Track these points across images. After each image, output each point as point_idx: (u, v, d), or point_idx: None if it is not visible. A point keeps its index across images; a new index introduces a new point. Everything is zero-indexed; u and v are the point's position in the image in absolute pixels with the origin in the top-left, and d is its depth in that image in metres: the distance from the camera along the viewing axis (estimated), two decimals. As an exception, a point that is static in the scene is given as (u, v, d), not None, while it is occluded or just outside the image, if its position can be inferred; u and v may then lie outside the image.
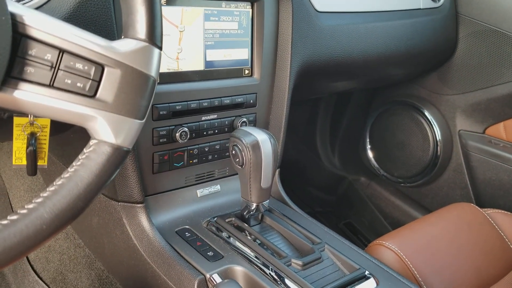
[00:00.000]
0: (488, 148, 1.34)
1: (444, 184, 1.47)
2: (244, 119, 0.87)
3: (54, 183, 0.44)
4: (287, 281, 0.66)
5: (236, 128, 0.85)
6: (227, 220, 0.79)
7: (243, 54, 0.88)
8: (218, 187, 0.88)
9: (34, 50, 0.43)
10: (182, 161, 0.82)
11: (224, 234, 0.77)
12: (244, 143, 0.73)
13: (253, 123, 0.89)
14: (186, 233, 0.77)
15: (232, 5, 0.85)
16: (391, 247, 0.87)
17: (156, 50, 0.48)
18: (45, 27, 0.43)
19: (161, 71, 0.78)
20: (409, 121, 1.53)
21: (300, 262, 0.69)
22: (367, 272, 0.69)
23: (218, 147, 0.86)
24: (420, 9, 1.26)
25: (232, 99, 0.86)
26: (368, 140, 1.67)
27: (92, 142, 0.46)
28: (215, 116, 0.84)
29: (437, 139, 1.46)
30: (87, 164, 0.45)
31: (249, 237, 0.75)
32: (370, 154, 1.66)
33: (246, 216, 0.79)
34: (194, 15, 0.80)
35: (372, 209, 1.64)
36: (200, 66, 0.83)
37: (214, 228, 0.78)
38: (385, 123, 1.61)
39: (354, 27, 1.04)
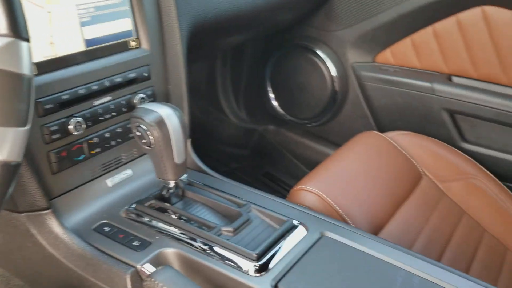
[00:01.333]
0: (379, 75, 1.41)
1: (347, 117, 1.54)
2: (142, 95, 0.82)
3: None
4: (218, 250, 0.65)
5: (135, 107, 0.79)
6: (146, 204, 0.76)
7: (125, 25, 0.82)
8: (129, 171, 0.83)
9: None
10: (82, 153, 0.75)
11: (146, 219, 0.73)
12: (148, 121, 0.69)
13: (152, 98, 0.84)
14: (105, 228, 0.72)
15: (101, -27, 0.77)
16: (311, 189, 0.90)
17: (23, 43, 0.42)
18: None
19: (36, 60, 0.69)
20: (304, 63, 1.56)
21: (230, 229, 0.69)
22: (295, 222, 0.70)
23: (120, 130, 0.80)
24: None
25: (124, 76, 0.80)
26: (269, 88, 1.68)
27: None
28: (109, 98, 0.78)
29: (333, 75, 1.51)
30: None
31: (173, 216, 0.73)
32: (274, 101, 1.68)
33: (166, 196, 0.76)
34: (59, -9, 0.72)
35: (286, 155, 1.69)
36: (80, 47, 0.75)
37: (134, 216, 0.74)
38: (283, 68, 1.62)
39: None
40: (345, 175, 0.98)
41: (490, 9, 1.20)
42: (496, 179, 1.19)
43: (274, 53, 1.64)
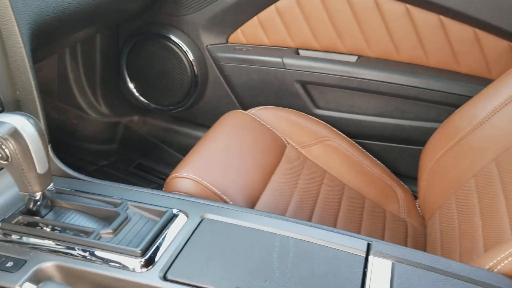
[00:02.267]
0: (234, 55, 1.47)
1: (210, 98, 1.59)
2: (-11, 107, 0.75)
3: None
4: (100, 254, 0.65)
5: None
6: (13, 222, 0.71)
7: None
8: (-13, 190, 0.76)
9: None
10: None
11: (15, 237, 0.69)
12: (1, 135, 0.64)
13: (1, 108, 0.78)
14: (-29, 256, 0.66)
15: None
16: (186, 176, 0.92)
17: None
18: None
19: None
20: (160, 49, 1.55)
21: (109, 230, 0.68)
22: (175, 210, 0.73)
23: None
24: None
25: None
26: (128, 78, 1.64)
27: None
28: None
29: (190, 59, 1.53)
30: None
31: (46, 229, 0.70)
32: (134, 91, 1.65)
33: (34, 209, 0.72)
34: None
35: (156, 143, 1.68)
36: None
37: (1, 236, 0.69)
38: (139, 56, 1.60)
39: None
40: (216, 157, 1.02)
41: (323, -14, 1.33)
42: (347, 138, 1.34)
43: (127, 42, 1.60)
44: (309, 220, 1.03)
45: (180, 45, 1.52)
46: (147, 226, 0.70)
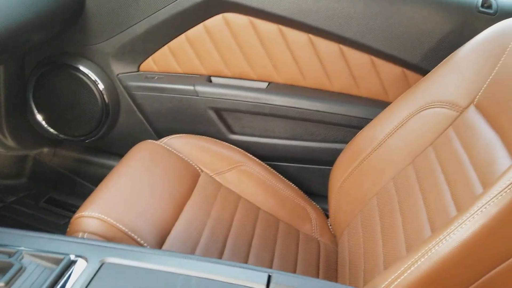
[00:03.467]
0: (146, 83, 1.46)
1: (124, 127, 1.56)
2: None
3: None
4: None
5: None
6: None
7: None
8: None
9: None
10: None
11: None
12: None
13: None
14: None
15: None
16: (92, 215, 0.90)
17: None
18: None
19: None
20: (69, 79, 1.51)
21: (1, 284, 0.65)
22: (72, 256, 0.70)
23: None
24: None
25: None
26: (35, 110, 1.57)
27: None
28: None
29: (100, 89, 1.50)
30: None
31: None
32: (43, 123, 1.58)
33: None
34: None
35: (68, 175, 1.62)
36: None
37: None
38: (47, 87, 1.54)
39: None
40: (124, 192, 1.01)
41: (229, 16, 1.37)
42: (261, 162, 1.38)
43: (33, 72, 1.53)
44: (222, 249, 1.04)
45: (89, 75, 1.49)
46: (43, 275, 0.68)
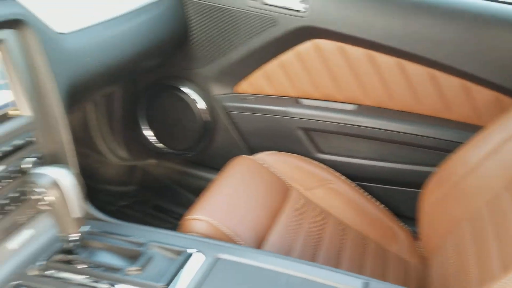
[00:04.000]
0: (241, 104, 1.60)
1: (220, 143, 1.71)
2: (32, 159, 0.87)
3: None
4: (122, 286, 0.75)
5: (28, 172, 0.85)
6: (52, 259, 0.82)
7: (6, 97, 0.87)
8: (30, 231, 0.87)
9: None
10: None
11: (53, 273, 0.80)
12: (44, 184, 0.76)
13: (42, 160, 0.90)
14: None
15: (-26, 54, 0.82)
16: (200, 218, 1.03)
17: None
18: None
19: None
20: (173, 99, 1.69)
21: (135, 268, 0.79)
22: (192, 250, 0.83)
23: (16, 194, 0.85)
24: (151, 3, 1.38)
25: (10, 144, 0.85)
26: (145, 125, 1.78)
27: None
28: (3, 167, 0.82)
29: (200, 108, 1.66)
30: None
31: (81, 266, 0.80)
32: (151, 136, 1.78)
33: (70, 248, 0.83)
34: None
35: (170, 185, 1.79)
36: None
37: (43, 272, 0.80)
38: (155, 106, 1.74)
39: (101, 40, 1.10)
40: (227, 199, 1.13)
41: (320, 42, 1.47)
42: (349, 181, 1.44)
43: (144, 93, 1.74)
44: (314, 259, 1.12)
45: (191, 95, 1.67)
46: (167, 264, 0.81)
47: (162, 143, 1.79)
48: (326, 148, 1.55)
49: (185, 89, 1.66)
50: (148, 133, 1.79)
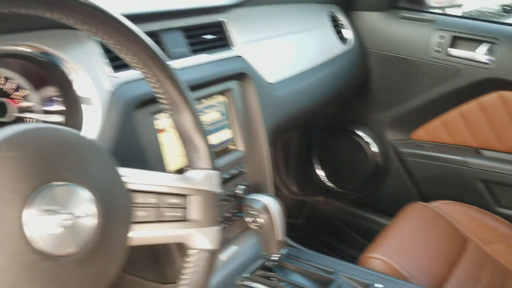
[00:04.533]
0: (416, 151, 1.63)
1: (390, 188, 1.75)
2: (243, 186, 1.05)
3: None
4: None
5: (240, 197, 1.02)
6: (255, 274, 0.96)
7: (227, 134, 1.07)
8: (236, 247, 1.04)
9: (141, 199, 0.58)
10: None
11: (259, 286, 0.94)
12: (257, 208, 0.92)
13: (249, 188, 1.07)
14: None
15: (211, 100, 1.03)
16: (379, 257, 1.10)
17: (217, 172, 0.65)
18: (144, 181, 0.59)
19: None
20: (348, 142, 1.80)
21: None
22: (380, 286, 0.90)
23: (228, 215, 1.03)
24: (338, 55, 1.52)
25: (228, 173, 1.03)
26: (318, 163, 1.91)
27: (192, 251, 0.62)
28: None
29: (374, 151, 1.73)
30: (198, 270, 0.61)
31: (280, 283, 0.93)
32: (322, 175, 1.91)
33: (270, 266, 0.96)
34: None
35: (336, 223, 1.88)
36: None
37: (249, 283, 0.95)
38: (329, 146, 1.86)
39: (299, 88, 1.27)
40: (403, 242, 1.17)
41: (506, 93, 1.44)
42: (533, 239, 1.35)
43: (319, 134, 1.88)
44: (492, 314, 1.09)
45: (365, 139, 1.75)
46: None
47: (332, 182, 1.90)
48: (507, 202, 1.48)
49: (359, 133, 1.76)
50: (320, 172, 1.91)
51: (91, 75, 0.80)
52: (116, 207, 0.55)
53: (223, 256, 1.02)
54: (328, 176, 1.90)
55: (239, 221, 1.05)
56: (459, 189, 1.54)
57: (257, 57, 1.14)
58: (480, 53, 1.47)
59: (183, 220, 0.61)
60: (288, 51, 1.27)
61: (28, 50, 0.76)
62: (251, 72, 1.10)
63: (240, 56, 1.09)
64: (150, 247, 0.88)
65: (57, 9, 0.50)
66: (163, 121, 0.91)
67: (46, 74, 0.82)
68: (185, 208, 0.62)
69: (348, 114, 1.79)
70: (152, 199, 0.59)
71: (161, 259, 0.90)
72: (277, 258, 0.95)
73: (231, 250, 1.04)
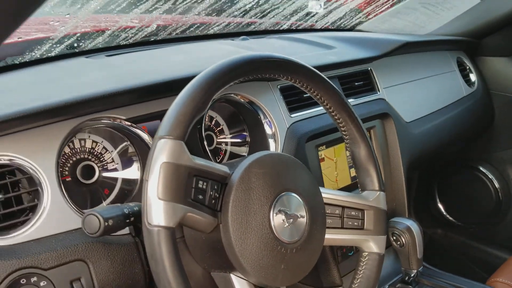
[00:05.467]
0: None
1: (510, 222, 1.79)
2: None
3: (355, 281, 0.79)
4: None
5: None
6: (397, 286, 1.12)
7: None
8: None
9: (329, 209, 0.79)
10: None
11: (399, 296, 1.10)
12: (402, 229, 1.08)
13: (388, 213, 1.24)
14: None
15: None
16: (506, 281, 1.19)
17: (384, 193, 0.84)
18: (333, 196, 0.80)
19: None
20: (469, 177, 1.88)
21: None
22: None
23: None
24: (464, 96, 1.64)
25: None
26: (438, 199, 2.01)
27: (365, 254, 0.82)
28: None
29: (496, 187, 1.80)
30: (370, 268, 0.80)
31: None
32: (442, 209, 2.00)
33: (409, 281, 1.12)
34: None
35: (455, 255, 1.95)
36: (348, 181, 1.20)
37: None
38: (450, 181, 1.96)
39: (430, 126, 1.42)
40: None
41: None
42: None
43: (440, 170, 1.99)
44: None
45: (487, 175, 1.82)
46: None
47: (451, 215, 1.98)
48: None
49: (482, 169, 1.84)
50: (440, 206, 2.01)
51: (275, 116, 1.05)
52: (317, 213, 0.77)
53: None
54: (448, 209, 1.98)
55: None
56: None
57: (396, 99, 1.32)
58: None
59: (360, 228, 0.81)
60: (421, 94, 1.44)
61: (236, 97, 1.03)
62: (392, 112, 1.28)
63: (383, 99, 1.28)
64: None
65: (293, 75, 0.75)
66: (323, 152, 1.13)
67: (239, 114, 1.08)
68: (363, 219, 0.82)
69: (473, 151, 1.88)
70: (337, 210, 0.80)
71: (319, 265, 1.10)
72: (414, 274, 1.10)
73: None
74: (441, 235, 2.01)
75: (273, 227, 0.69)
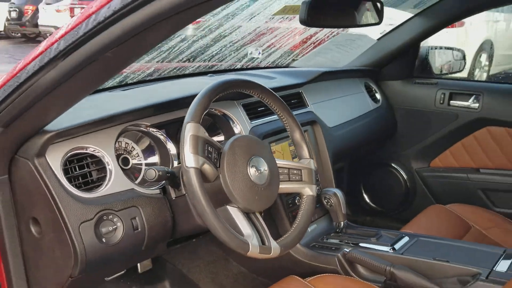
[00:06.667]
0: (434, 173, 2.29)
1: (418, 206, 2.38)
2: (318, 187, 1.75)
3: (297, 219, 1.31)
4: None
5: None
6: (332, 235, 1.64)
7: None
8: (315, 225, 1.72)
9: (280, 170, 1.32)
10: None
11: (330, 241, 1.61)
12: (331, 194, 1.61)
13: (320, 186, 1.77)
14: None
15: (297, 136, 1.77)
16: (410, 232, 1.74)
17: (313, 160, 1.37)
18: (283, 163, 1.33)
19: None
20: (385, 172, 2.47)
21: None
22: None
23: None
24: (372, 109, 2.25)
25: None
26: (363, 190, 2.58)
27: (304, 196, 1.33)
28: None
29: (405, 178, 2.40)
30: (308, 205, 1.31)
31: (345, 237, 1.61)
32: (367, 198, 2.56)
33: (339, 231, 1.64)
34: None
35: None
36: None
37: (326, 240, 1.62)
38: (371, 177, 2.54)
39: (346, 131, 2.00)
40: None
41: (491, 128, 2.11)
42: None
43: (364, 168, 2.57)
44: None
45: (398, 169, 2.42)
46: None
47: (374, 203, 2.55)
48: (499, 203, 2.09)
49: (394, 165, 2.44)
50: (365, 197, 2.58)
51: (241, 122, 1.57)
52: (273, 169, 1.28)
53: (308, 229, 1.70)
54: (372, 199, 2.56)
55: (318, 209, 1.73)
56: (465, 196, 2.17)
57: (321, 111, 1.89)
58: (471, 102, 2.17)
59: (300, 180, 1.33)
60: (339, 108, 2.03)
61: (214, 111, 1.54)
62: (318, 120, 1.84)
63: (312, 111, 1.85)
64: (270, 215, 1.58)
65: (255, 90, 1.28)
66: (274, 148, 1.66)
67: (216, 122, 1.59)
68: (301, 175, 1.34)
69: (386, 152, 2.48)
70: (285, 171, 1.32)
71: (275, 217, 1.59)
72: (342, 225, 1.62)
73: (312, 227, 1.72)
74: (369, 221, 2.58)
75: (249, 175, 1.20)
